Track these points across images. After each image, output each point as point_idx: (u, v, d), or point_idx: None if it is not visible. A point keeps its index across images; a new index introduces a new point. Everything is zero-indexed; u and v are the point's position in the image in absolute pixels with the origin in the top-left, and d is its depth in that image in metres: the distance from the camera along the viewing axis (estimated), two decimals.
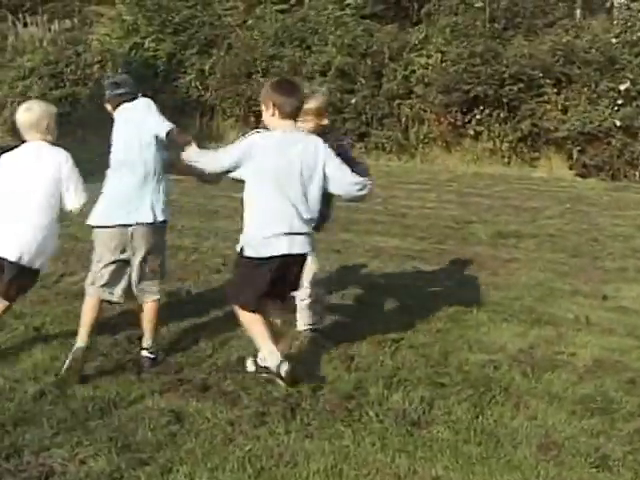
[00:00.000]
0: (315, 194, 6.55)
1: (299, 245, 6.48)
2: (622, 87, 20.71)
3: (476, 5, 24.16)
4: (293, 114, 6.55)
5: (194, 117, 25.40)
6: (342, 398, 6.30)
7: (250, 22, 26.70)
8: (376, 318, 8.46)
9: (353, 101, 23.09)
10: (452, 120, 21.82)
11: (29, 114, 6.99)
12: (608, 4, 26.61)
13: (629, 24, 22.34)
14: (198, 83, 25.72)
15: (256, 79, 24.49)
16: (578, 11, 28.02)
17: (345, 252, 11.59)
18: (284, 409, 6.03)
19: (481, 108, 22.05)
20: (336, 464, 5.24)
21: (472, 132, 22.11)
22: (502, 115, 21.71)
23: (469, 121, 22.04)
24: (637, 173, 20.09)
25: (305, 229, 6.50)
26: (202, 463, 5.20)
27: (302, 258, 6.65)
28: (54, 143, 7.09)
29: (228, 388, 6.46)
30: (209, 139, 24.06)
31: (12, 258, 6.79)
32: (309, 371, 6.86)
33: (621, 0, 26.20)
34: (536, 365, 7.13)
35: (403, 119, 22.76)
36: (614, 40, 21.99)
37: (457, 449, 5.49)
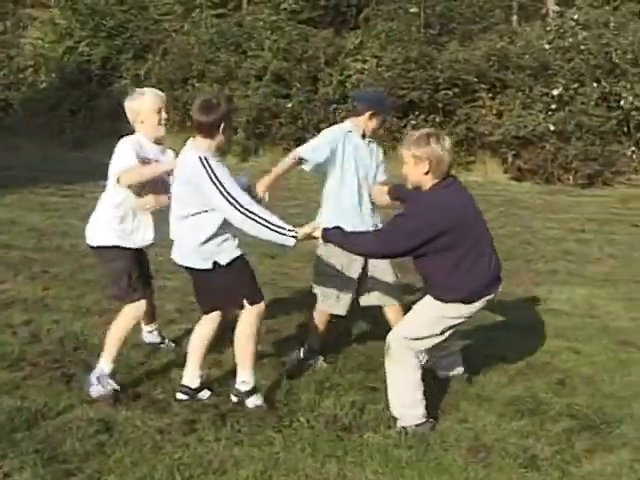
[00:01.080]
0: None
1: None
2: (555, 92, 20.94)
3: (411, 11, 24.29)
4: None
5: (129, 123, 25.19)
6: (273, 404, 6.27)
7: (186, 27, 26.59)
8: (309, 323, 8.42)
9: (289, 106, 23.07)
10: (387, 125, 21.86)
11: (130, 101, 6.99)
12: (543, 11, 26.89)
13: (562, 31, 22.60)
14: (134, 88, 25.52)
15: (192, 84, 24.39)
16: (514, 17, 28.32)
17: (280, 257, 11.54)
18: (214, 416, 6.00)
19: (416, 113, 22.17)
20: (265, 470, 5.23)
21: None
22: (437, 120, 21.84)
23: (404, 126, 22.12)
24: (570, 177, 20.31)
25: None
26: (130, 472, 5.16)
27: None
28: None
29: (158, 396, 6.42)
30: None
31: None
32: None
33: (555, 7, 26.55)
34: (466, 368, 7.15)
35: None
36: (547, 46, 22.25)
37: (387, 453, 5.50)
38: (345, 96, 22.96)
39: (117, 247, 6.63)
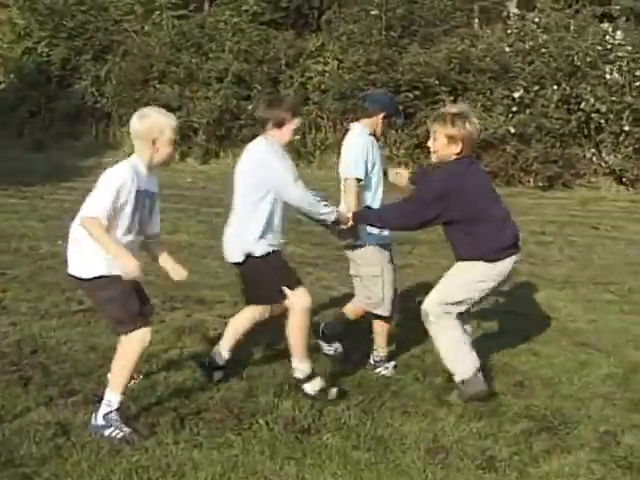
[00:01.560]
0: None
1: None
2: (516, 95, 21.02)
3: (372, 13, 24.31)
4: None
5: (89, 124, 25.07)
6: (232, 407, 6.24)
7: (147, 28, 26.46)
8: (268, 325, 8.39)
9: (250, 107, 23.02)
10: (349, 127, 21.85)
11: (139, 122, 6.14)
12: (505, 14, 26.99)
13: (522, 33, 22.70)
14: (94, 89, 25.39)
15: (153, 85, 24.28)
16: (476, 20, 28.39)
17: None
18: (173, 419, 5.97)
19: None
20: (224, 473, 5.21)
21: None
22: (399, 122, 21.85)
23: None
24: (531, 179, 20.40)
25: None
26: (88, 476, 5.10)
27: None
28: None
29: None
30: (105, 146, 23.80)
31: None
32: (201, 380, 6.81)
33: (516, 10, 26.65)
34: (427, 370, 7.17)
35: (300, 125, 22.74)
36: (508, 49, 22.33)
37: (346, 455, 5.49)
38: (306, 98, 22.94)
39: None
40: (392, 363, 7.42)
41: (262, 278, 6.65)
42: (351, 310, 7.63)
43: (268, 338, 7.93)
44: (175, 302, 9.23)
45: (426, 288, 9.96)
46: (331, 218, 6.68)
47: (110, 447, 5.46)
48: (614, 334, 8.56)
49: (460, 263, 6.69)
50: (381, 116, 7.23)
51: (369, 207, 6.99)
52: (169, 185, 18.17)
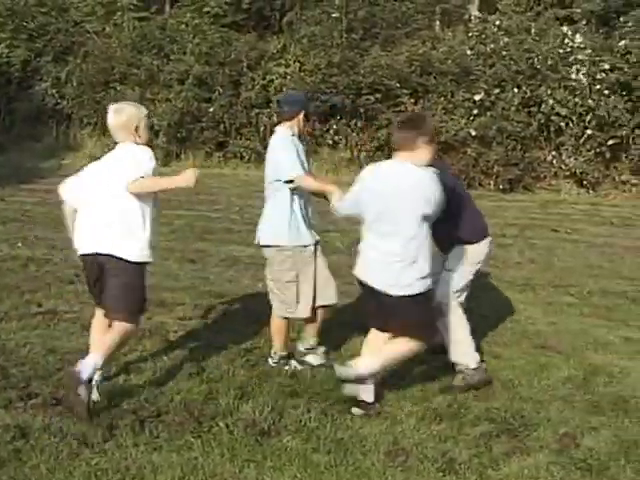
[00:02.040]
0: None
1: None
2: (477, 97, 21.09)
3: (333, 15, 24.32)
4: None
5: (50, 125, 24.90)
6: (193, 409, 6.22)
7: (108, 29, 26.31)
8: (229, 328, 8.41)
9: (211, 110, 22.96)
10: (310, 129, 21.85)
11: (118, 116, 6.79)
12: (466, 17, 27.09)
13: (484, 36, 22.79)
14: (54, 91, 25.20)
15: (114, 87, 24.15)
16: (437, 23, 28.49)
17: (200, 261, 11.51)
18: (133, 422, 5.94)
19: (339, 118, 22.22)
20: (184, 476, 5.22)
21: (330, 141, 22.23)
22: (359, 124, 21.90)
23: (327, 130, 22.16)
24: (491, 181, 20.45)
25: None
26: (46, 479, 5.09)
27: None
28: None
29: None
30: (66, 148, 23.64)
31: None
32: (161, 383, 6.78)
33: (477, 13, 26.77)
34: (388, 372, 7.16)
35: (261, 128, 22.70)
36: (469, 52, 22.40)
37: (306, 458, 5.49)
38: (268, 100, 22.91)
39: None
40: (322, 348, 7.56)
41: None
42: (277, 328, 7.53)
43: (228, 340, 7.92)
44: None
45: None
46: None
47: (69, 450, 5.43)
48: (574, 337, 8.60)
49: (455, 250, 7.20)
50: (301, 116, 7.36)
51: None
52: None
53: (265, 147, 22.85)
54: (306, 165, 7.34)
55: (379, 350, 6.44)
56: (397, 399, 6.63)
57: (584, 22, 23.24)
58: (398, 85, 21.88)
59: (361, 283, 6.47)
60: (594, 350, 8.13)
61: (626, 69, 20.26)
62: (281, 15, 28.71)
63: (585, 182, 20.41)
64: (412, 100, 21.86)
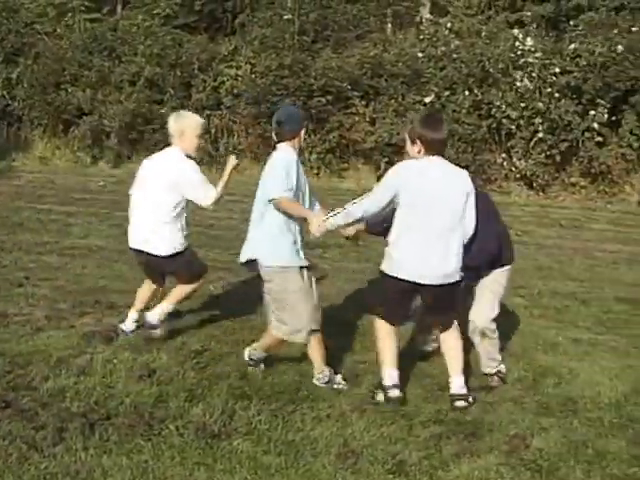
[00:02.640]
0: None
1: None
2: (427, 100, 21.15)
3: (285, 17, 24.30)
4: None
5: (0, 127, 24.63)
6: (143, 412, 6.19)
7: (59, 30, 26.08)
8: (179, 330, 8.37)
9: (163, 111, 22.83)
10: (261, 132, 21.83)
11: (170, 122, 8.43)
12: (418, 19, 27.18)
13: (435, 39, 22.87)
14: (5, 92, 24.92)
15: (65, 88, 23.95)
16: (389, 25, 28.54)
17: None
18: (83, 425, 5.91)
19: None
20: (134, 479, 5.21)
21: None
22: (310, 127, 21.88)
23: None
24: None
25: None
26: None
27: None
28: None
29: (26, 405, 6.28)
30: (17, 149, 23.42)
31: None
32: (111, 386, 6.74)
33: (429, 15, 26.86)
34: (339, 374, 7.17)
35: (212, 130, 22.64)
36: (420, 54, 22.46)
37: (257, 460, 5.50)
38: (219, 102, 22.86)
39: None
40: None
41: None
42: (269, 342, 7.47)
43: (178, 341, 7.91)
44: (85, 307, 9.12)
45: (338, 292, 10.08)
46: None
47: (18, 454, 5.38)
48: (524, 338, 8.66)
49: (496, 272, 7.32)
50: (302, 133, 7.32)
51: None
52: (80, 189, 18.01)
53: (217, 149, 22.71)
54: (305, 188, 7.24)
55: None
56: (348, 402, 6.64)
57: (534, 25, 23.37)
58: (349, 87, 21.88)
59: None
60: (543, 351, 8.20)
61: (576, 73, 20.42)
62: (233, 17, 28.64)
63: (535, 184, 20.54)
64: (363, 102, 21.91)
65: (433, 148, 6.69)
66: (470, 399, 6.77)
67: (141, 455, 5.51)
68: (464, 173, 6.87)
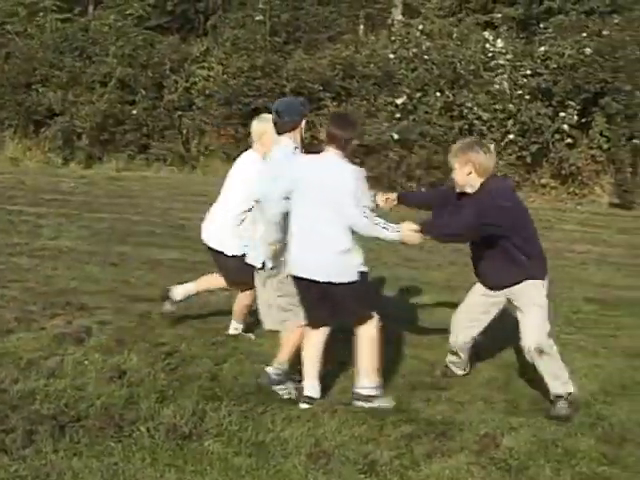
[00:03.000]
0: None
1: None
2: (399, 101, 21.20)
3: (257, 19, 24.29)
4: None
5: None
6: (113, 414, 6.16)
7: (30, 30, 25.95)
8: (151, 331, 8.35)
9: (134, 112, 22.79)
10: (233, 132, 21.82)
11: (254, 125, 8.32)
12: (389, 21, 27.23)
13: (406, 40, 22.91)
14: None
15: (36, 89, 23.84)
16: (361, 27, 28.59)
17: (121, 264, 11.41)
18: (53, 427, 5.85)
19: None
20: None
21: None
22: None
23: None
24: (414, 185, 20.55)
25: None
26: None
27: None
28: None
29: None
30: None
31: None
32: (81, 387, 6.70)
33: (400, 17, 26.91)
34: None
35: (184, 131, 22.65)
36: (392, 55, 22.50)
37: (227, 461, 5.48)
38: (191, 103, 22.83)
39: None
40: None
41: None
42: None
43: (149, 343, 7.88)
44: (56, 309, 9.04)
45: None
46: (395, 238, 6.70)
47: None
48: (494, 338, 8.67)
49: (533, 287, 6.91)
50: (303, 124, 7.04)
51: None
52: (52, 190, 17.93)
53: (188, 150, 22.71)
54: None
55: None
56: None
57: (505, 27, 23.48)
58: (321, 88, 21.92)
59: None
60: (514, 351, 8.21)
61: (546, 75, 20.53)
62: (205, 18, 28.62)
63: None
64: (335, 103, 21.93)
65: (332, 143, 6.61)
66: (371, 402, 6.56)
67: (111, 457, 5.47)
68: (349, 169, 6.54)
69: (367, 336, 6.63)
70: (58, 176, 20.81)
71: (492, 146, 6.89)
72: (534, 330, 6.77)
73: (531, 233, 7.03)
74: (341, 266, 6.47)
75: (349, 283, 6.46)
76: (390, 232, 6.49)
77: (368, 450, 5.73)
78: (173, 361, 7.45)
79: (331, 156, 6.60)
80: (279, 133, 7.03)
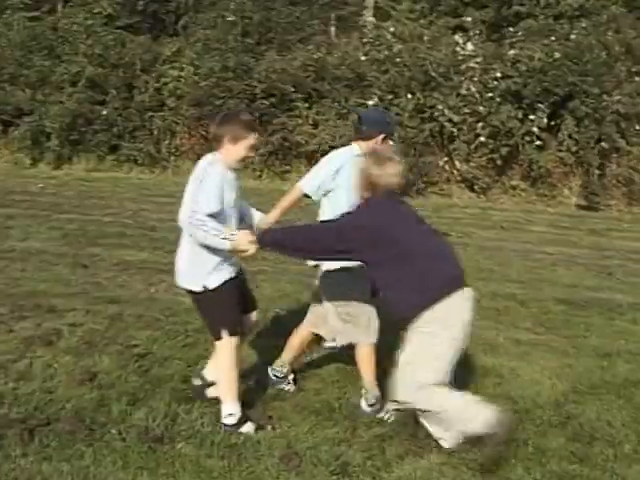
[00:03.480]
0: None
1: None
2: (370, 103, 21.22)
3: (229, 19, 24.27)
4: None
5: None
6: (84, 417, 6.13)
7: None
8: (122, 333, 8.31)
9: (104, 112, 22.70)
10: (204, 133, 21.77)
11: None
12: (361, 22, 27.31)
13: (377, 43, 22.97)
14: None
15: (3, 87, 23.72)
16: (332, 29, 28.66)
17: (92, 266, 11.35)
18: (22, 431, 5.82)
19: None
20: None
21: None
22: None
23: None
24: None
25: None
26: None
27: None
28: None
29: None
30: None
31: None
32: (51, 390, 6.67)
33: (372, 19, 27.00)
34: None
35: (155, 131, 22.58)
36: (363, 57, 22.56)
37: (200, 464, 5.47)
38: (162, 103, 22.78)
39: None
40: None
41: None
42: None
43: (120, 345, 7.85)
44: (24, 311, 8.98)
45: (281, 294, 10.08)
46: (223, 247, 5.96)
47: None
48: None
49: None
50: (379, 138, 6.79)
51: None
52: (20, 191, 17.83)
53: (158, 150, 22.68)
54: None
55: None
56: (290, 403, 6.64)
57: (476, 31, 23.59)
58: (293, 90, 21.94)
59: None
60: (484, 352, 8.24)
61: (516, 78, 20.63)
62: (176, 18, 28.57)
63: (476, 187, 20.73)
64: (306, 105, 21.95)
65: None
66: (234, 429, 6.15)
67: (82, 460, 5.44)
68: (200, 168, 6.20)
69: (218, 357, 6.40)
70: (27, 177, 20.71)
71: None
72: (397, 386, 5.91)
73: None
74: (187, 273, 6.26)
75: (196, 293, 6.25)
76: (219, 239, 5.88)
77: (340, 451, 5.73)
78: (145, 363, 7.42)
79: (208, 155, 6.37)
80: (355, 139, 6.94)
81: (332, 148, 20.16)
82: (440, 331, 5.78)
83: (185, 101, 22.42)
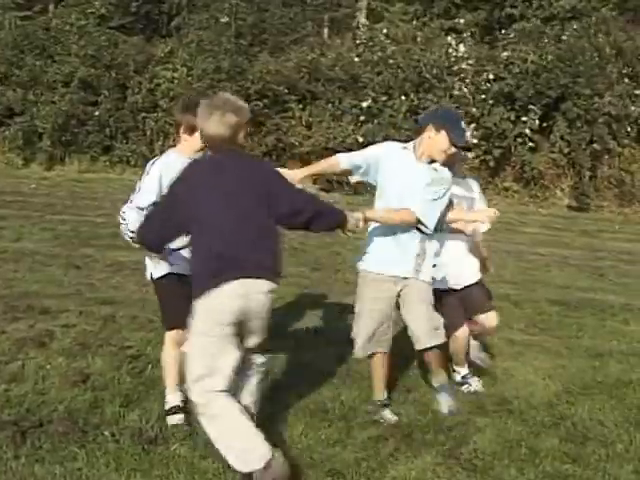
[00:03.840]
0: None
1: None
2: (364, 104, 21.27)
3: (222, 20, 24.27)
4: None
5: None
6: (77, 419, 6.09)
7: None
8: (115, 334, 8.29)
9: (97, 113, 22.67)
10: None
11: None
12: (354, 24, 27.33)
13: (371, 44, 22.99)
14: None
15: None
16: (326, 30, 28.66)
17: (85, 267, 11.33)
18: (14, 433, 5.76)
19: None
20: None
21: None
22: (247, 130, 21.82)
23: None
24: None
25: None
26: None
27: None
28: None
29: None
30: None
31: None
32: (44, 392, 6.64)
33: (365, 21, 27.01)
34: (274, 381, 7.14)
35: (148, 132, 22.56)
36: (357, 59, 22.59)
37: (194, 465, 5.43)
38: (155, 104, 22.76)
39: None
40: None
41: None
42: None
43: (114, 346, 7.83)
44: (17, 312, 8.94)
45: (276, 297, 10.05)
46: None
47: None
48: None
49: None
50: (429, 134, 6.28)
51: None
52: (12, 191, 17.78)
53: (152, 151, 22.58)
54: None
55: None
56: (284, 404, 6.62)
57: (469, 33, 23.63)
58: (286, 91, 21.96)
59: None
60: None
61: (509, 80, 20.66)
62: (169, 19, 28.54)
63: None
64: (300, 106, 21.96)
65: None
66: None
67: (75, 462, 5.39)
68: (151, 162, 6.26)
69: (164, 350, 6.31)
70: (19, 177, 20.67)
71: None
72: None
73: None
74: (146, 261, 6.29)
75: (152, 280, 6.24)
76: (128, 237, 5.99)
77: (335, 452, 5.71)
78: (138, 365, 7.39)
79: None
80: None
81: (326, 149, 20.45)
82: None
83: (178, 102, 22.40)
